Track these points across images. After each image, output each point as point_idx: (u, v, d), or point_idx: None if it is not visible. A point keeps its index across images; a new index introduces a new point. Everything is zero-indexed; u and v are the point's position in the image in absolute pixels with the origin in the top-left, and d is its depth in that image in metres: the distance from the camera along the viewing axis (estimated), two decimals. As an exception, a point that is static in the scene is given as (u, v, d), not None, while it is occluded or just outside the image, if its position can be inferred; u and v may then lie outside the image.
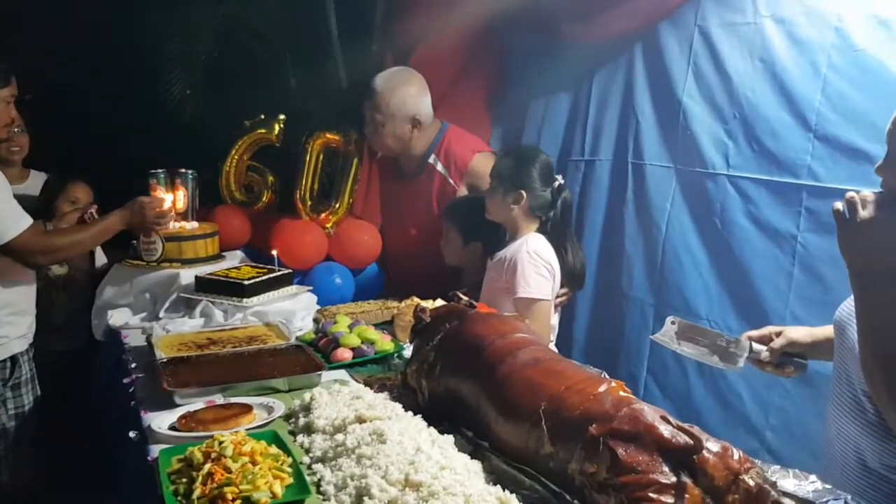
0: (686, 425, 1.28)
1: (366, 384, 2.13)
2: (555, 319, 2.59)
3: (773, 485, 1.30)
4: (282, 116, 3.42)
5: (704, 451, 1.29)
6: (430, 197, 2.98)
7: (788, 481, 1.41)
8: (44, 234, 2.71)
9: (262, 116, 3.44)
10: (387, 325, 2.68)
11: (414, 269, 3.05)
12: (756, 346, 1.84)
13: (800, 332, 1.82)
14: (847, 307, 1.60)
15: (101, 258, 3.40)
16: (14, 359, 2.78)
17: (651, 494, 1.28)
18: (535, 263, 2.42)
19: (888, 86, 2.08)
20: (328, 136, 3.20)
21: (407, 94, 2.92)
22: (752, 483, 1.28)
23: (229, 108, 3.71)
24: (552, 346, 2.44)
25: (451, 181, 2.94)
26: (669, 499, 1.26)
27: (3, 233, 2.52)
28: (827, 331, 1.77)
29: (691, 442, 1.30)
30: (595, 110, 3.11)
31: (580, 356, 2.91)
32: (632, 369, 2.83)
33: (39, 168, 3.50)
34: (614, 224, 2.95)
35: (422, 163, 3.00)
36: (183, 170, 3.07)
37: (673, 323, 1.96)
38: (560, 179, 2.56)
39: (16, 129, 3.29)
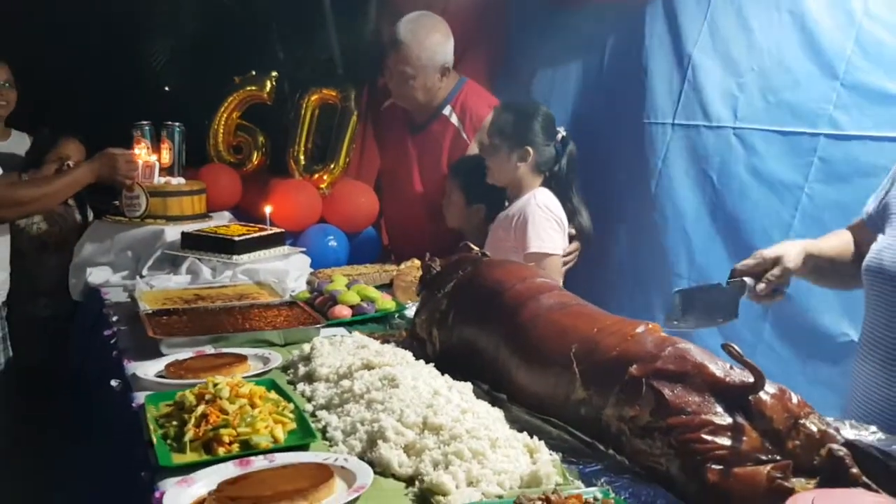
0: (748, 360, 1.14)
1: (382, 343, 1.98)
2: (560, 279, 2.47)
3: (837, 430, 1.18)
4: (274, 73, 3.25)
5: (762, 392, 1.17)
6: (439, 150, 2.83)
7: (846, 431, 1.29)
8: (9, 185, 2.53)
9: (254, 73, 3.27)
10: (385, 288, 2.53)
11: (414, 231, 2.90)
12: (749, 281, 1.67)
13: (796, 257, 1.64)
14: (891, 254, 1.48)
15: (91, 215, 3.21)
16: None
17: (704, 436, 1.15)
18: (546, 217, 2.31)
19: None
20: (325, 91, 3.05)
21: (436, 41, 2.77)
22: (814, 428, 1.15)
23: (217, 70, 3.54)
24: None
25: (464, 135, 2.80)
26: (726, 440, 1.14)
27: None
28: (827, 247, 1.69)
29: (747, 381, 1.18)
30: (608, 74, 3.01)
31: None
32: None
33: (26, 129, 3.31)
34: (604, 187, 2.86)
35: (435, 114, 2.85)
36: (169, 122, 2.90)
37: (676, 295, 1.80)
38: (562, 131, 2.44)
39: (5, 84, 3.11)
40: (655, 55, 2.81)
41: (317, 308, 2.22)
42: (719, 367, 1.23)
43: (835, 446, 1.05)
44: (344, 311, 2.19)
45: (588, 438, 1.37)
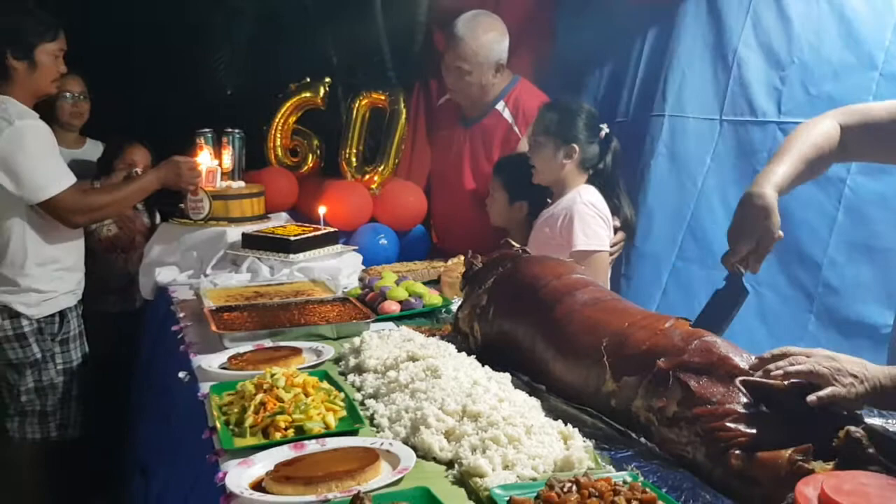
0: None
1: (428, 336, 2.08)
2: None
3: (860, 417, 1.22)
4: (327, 80, 3.39)
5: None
6: (491, 144, 2.91)
7: (874, 419, 1.32)
8: (83, 192, 2.72)
9: (308, 79, 3.41)
10: (433, 284, 2.63)
11: (462, 229, 2.98)
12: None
13: (773, 226, 1.56)
14: None
15: (158, 219, 3.42)
16: (63, 314, 2.80)
17: (729, 424, 1.21)
18: (591, 214, 2.36)
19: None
20: (374, 95, 3.17)
21: (492, 39, 2.85)
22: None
23: (274, 76, 3.70)
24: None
25: (516, 129, 2.86)
26: (749, 428, 1.19)
27: (45, 189, 2.55)
28: (796, 169, 1.60)
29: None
30: (644, 71, 3.04)
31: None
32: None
33: (96, 137, 3.53)
34: (639, 179, 2.89)
35: (487, 108, 2.93)
36: (229, 129, 3.06)
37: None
38: (606, 129, 2.49)
39: (80, 97, 3.33)
40: (695, 51, 2.83)
41: (367, 304, 2.33)
42: (743, 359, 1.28)
43: (853, 428, 1.09)
44: (393, 307, 2.29)
45: (621, 427, 1.44)
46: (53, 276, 2.74)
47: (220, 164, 3.00)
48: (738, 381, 1.23)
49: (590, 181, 2.49)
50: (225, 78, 3.96)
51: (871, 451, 1.05)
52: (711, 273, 2.63)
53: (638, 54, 3.09)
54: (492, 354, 1.76)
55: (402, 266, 2.81)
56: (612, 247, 2.47)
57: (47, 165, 2.59)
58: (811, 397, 1.14)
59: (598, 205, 2.39)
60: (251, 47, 3.80)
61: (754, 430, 1.18)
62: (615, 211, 2.48)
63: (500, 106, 2.91)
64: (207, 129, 3.02)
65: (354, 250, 2.89)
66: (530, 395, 1.56)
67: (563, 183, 2.50)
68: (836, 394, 1.15)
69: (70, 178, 2.62)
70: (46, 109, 2.94)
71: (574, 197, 2.41)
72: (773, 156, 1.66)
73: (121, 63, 3.81)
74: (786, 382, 1.18)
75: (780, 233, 1.59)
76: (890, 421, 1.33)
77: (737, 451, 1.18)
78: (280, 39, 3.73)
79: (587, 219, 2.34)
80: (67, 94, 3.28)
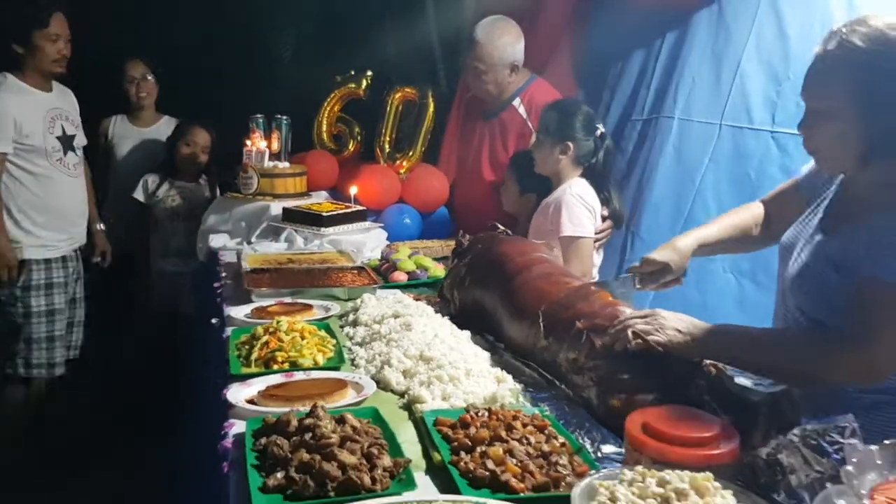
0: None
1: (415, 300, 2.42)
2: (598, 258, 2.79)
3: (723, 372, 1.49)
4: (369, 73, 3.75)
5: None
6: (506, 136, 3.21)
7: (745, 379, 1.59)
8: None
9: (353, 72, 3.78)
10: (446, 261, 2.95)
11: (479, 213, 3.27)
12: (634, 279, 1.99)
13: (681, 261, 1.94)
14: (792, 232, 1.74)
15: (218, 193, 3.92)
16: (25, 262, 3.19)
17: (614, 373, 1.51)
18: (578, 204, 2.62)
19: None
20: (407, 90, 3.51)
21: (507, 42, 3.15)
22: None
23: (326, 65, 4.09)
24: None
25: (529, 124, 3.15)
26: (629, 377, 1.49)
27: None
28: (722, 231, 1.95)
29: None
30: (660, 72, 3.26)
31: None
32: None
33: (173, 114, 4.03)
34: (648, 175, 3.12)
35: (504, 104, 3.23)
36: (278, 115, 3.47)
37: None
38: (601, 128, 2.74)
39: (144, 77, 3.82)
40: (704, 59, 3.04)
41: (380, 273, 2.70)
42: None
43: (699, 381, 1.37)
44: (400, 276, 2.65)
45: (549, 376, 1.75)
46: (17, 227, 3.17)
47: (268, 146, 3.42)
48: (597, 343, 1.53)
49: (584, 175, 2.75)
50: (286, 69, 4.40)
51: (706, 397, 1.33)
52: (706, 265, 2.87)
53: (655, 57, 3.32)
54: (467, 317, 2.10)
55: (421, 243, 3.15)
56: (598, 233, 2.73)
57: None
58: (635, 342, 1.46)
59: (585, 196, 2.66)
60: (312, 43, 4.20)
61: (631, 378, 1.48)
62: (605, 202, 2.73)
63: (516, 102, 3.20)
64: (259, 115, 3.44)
65: (380, 227, 3.25)
66: (491, 352, 1.89)
67: (559, 176, 2.77)
68: (656, 341, 1.46)
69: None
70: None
71: (565, 188, 2.68)
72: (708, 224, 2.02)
73: (194, 53, 4.29)
74: (633, 341, 1.48)
75: (682, 281, 1.97)
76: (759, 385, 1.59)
77: (617, 395, 1.48)
78: (337, 37, 4.11)
79: (573, 208, 2.61)
80: (130, 78, 3.77)
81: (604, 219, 2.76)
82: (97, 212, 3.61)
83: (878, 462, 1.03)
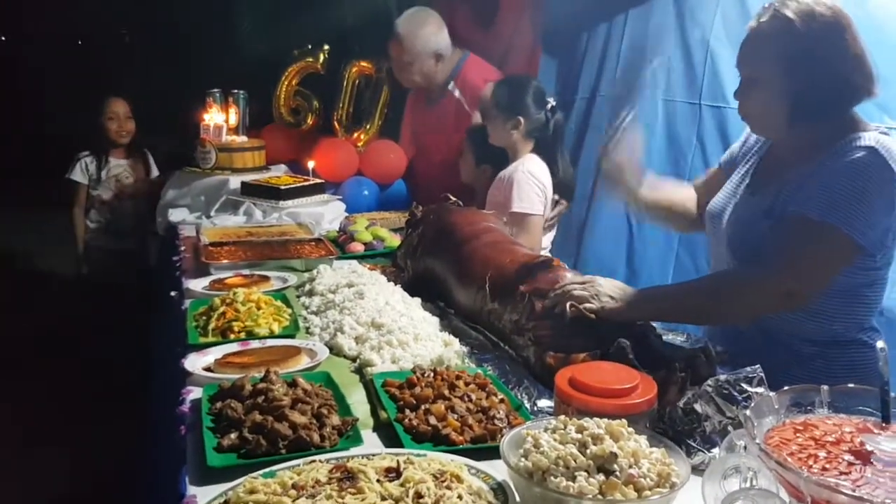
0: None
1: (371, 270, 2.50)
2: (547, 238, 2.88)
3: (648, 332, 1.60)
4: (326, 47, 3.77)
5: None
6: (448, 120, 3.28)
7: (677, 337, 1.71)
8: None
9: (310, 46, 3.80)
10: (402, 231, 3.03)
11: (434, 185, 3.36)
12: None
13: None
14: (720, 199, 1.85)
15: (154, 170, 3.97)
16: None
17: (548, 333, 1.61)
18: (528, 182, 2.71)
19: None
20: (362, 64, 3.55)
21: (429, 32, 3.21)
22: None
23: (284, 38, 4.10)
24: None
25: (466, 107, 3.23)
26: (564, 337, 1.59)
27: None
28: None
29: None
30: (627, 49, 3.30)
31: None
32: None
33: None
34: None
35: (443, 91, 3.30)
36: (235, 90, 3.48)
37: None
38: (552, 101, 2.81)
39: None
40: (669, 38, 3.09)
41: (338, 244, 2.76)
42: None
43: (622, 340, 1.46)
44: (357, 247, 2.72)
45: (494, 338, 1.84)
46: None
47: (225, 121, 3.44)
48: (538, 306, 1.63)
49: (535, 147, 2.83)
50: (243, 43, 4.39)
51: (631, 356, 1.43)
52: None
53: (620, 34, 3.35)
54: (419, 285, 2.18)
55: (378, 214, 3.23)
56: (549, 219, 2.81)
57: None
58: (571, 310, 1.55)
59: (536, 174, 2.73)
60: (268, 17, 4.20)
61: (567, 338, 1.58)
62: (554, 173, 2.83)
63: (451, 86, 3.28)
64: (216, 90, 3.45)
65: (339, 199, 3.31)
66: (441, 317, 1.98)
67: (514, 148, 2.85)
68: (590, 309, 1.57)
69: None
70: None
71: (517, 165, 2.76)
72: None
73: (150, 27, 4.27)
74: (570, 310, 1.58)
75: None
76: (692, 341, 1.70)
77: (552, 353, 1.57)
78: (296, 10, 4.11)
79: (524, 185, 2.70)
80: None
81: (555, 203, 2.84)
82: None
83: (776, 406, 1.13)
